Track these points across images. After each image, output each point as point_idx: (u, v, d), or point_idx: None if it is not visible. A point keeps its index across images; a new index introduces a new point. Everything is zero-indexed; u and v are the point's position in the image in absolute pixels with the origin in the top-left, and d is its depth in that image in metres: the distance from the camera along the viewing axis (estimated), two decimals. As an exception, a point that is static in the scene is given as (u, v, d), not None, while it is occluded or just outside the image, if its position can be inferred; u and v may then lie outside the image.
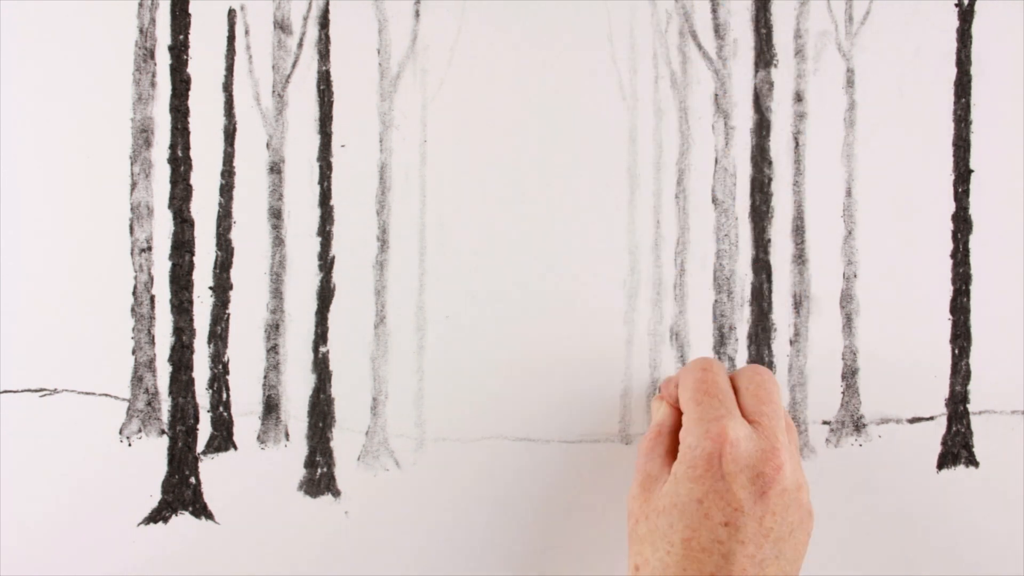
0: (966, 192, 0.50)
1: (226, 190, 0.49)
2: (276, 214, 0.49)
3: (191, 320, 0.48)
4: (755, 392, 0.42)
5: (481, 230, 0.49)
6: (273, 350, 0.49)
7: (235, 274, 0.49)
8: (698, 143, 0.49)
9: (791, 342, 0.49)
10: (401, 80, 0.49)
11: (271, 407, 0.49)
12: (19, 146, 0.48)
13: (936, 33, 0.50)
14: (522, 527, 0.49)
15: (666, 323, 0.49)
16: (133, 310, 0.48)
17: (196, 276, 0.48)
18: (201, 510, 0.48)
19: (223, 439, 0.48)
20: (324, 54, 0.49)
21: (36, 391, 0.48)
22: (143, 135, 0.48)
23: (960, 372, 0.49)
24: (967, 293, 0.49)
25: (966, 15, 0.50)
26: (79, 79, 0.48)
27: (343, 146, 0.49)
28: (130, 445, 0.48)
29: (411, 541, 0.48)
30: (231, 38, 0.49)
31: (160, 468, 0.48)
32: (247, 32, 0.49)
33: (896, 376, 0.49)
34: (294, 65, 0.49)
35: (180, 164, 0.48)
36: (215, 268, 0.48)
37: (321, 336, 0.49)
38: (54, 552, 0.47)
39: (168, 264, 0.48)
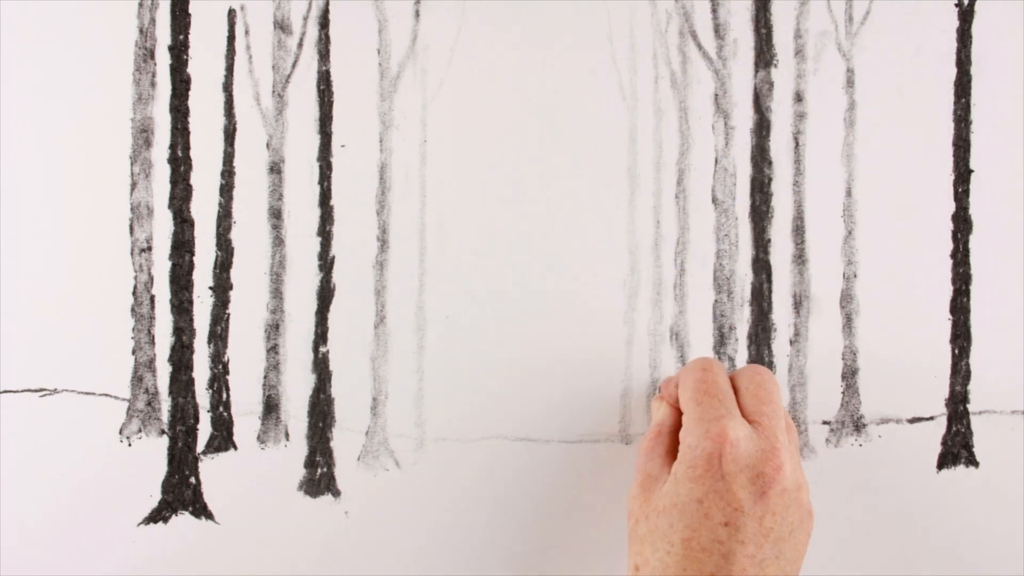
0: (966, 192, 0.50)
1: (226, 190, 0.49)
2: (276, 214, 0.49)
3: (191, 320, 0.48)
4: (755, 392, 0.42)
5: (481, 230, 0.49)
6: (273, 350, 0.49)
7: (235, 274, 0.49)
8: (698, 143, 0.49)
9: (791, 342, 0.50)
10: (401, 80, 0.49)
11: (271, 407, 0.49)
12: (19, 146, 0.48)
13: (936, 33, 0.50)
14: (522, 527, 0.49)
15: (666, 323, 0.49)
16: (133, 310, 0.48)
17: (196, 276, 0.48)
18: (201, 510, 0.48)
19: (223, 439, 0.48)
20: (324, 54, 0.49)
21: (36, 391, 0.48)
22: (143, 135, 0.48)
23: (960, 372, 0.49)
24: (967, 293, 0.49)
25: (966, 15, 0.50)
26: (79, 79, 0.48)
27: (343, 146, 0.49)
28: (130, 445, 0.48)
29: (411, 541, 0.48)
30: (231, 38, 0.49)
31: (160, 468, 0.48)
32: (247, 32, 0.49)
33: (896, 376, 0.49)
34: (294, 65, 0.49)
35: (180, 164, 0.48)
36: (215, 268, 0.48)
37: (321, 336, 0.49)
38: (54, 552, 0.47)
39: (168, 264, 0.48)
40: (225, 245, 0.49)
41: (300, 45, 0.49)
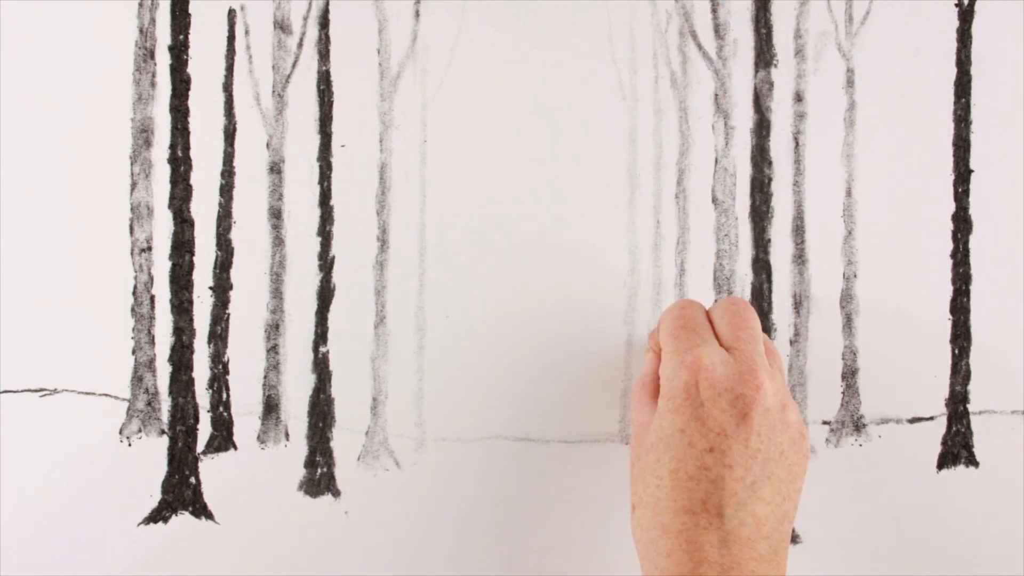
0: (966, 192, 0.50)
1: (226, 190, 0.49)
2: (276, 214, 0.49)
3: (191, 320, 0.48)
4: (730, 320, 0.42)
5: (481, 230, 0.49)
6: (273, 350, 0.49)
7: (235, 274, 0.49)
8: (698, 143, 0.49)
9: (791, 342, 0.49)
10: (401, 80, 0.49)
11: (271, 407, 0.49)
12: (19, 146, 0.48)
13: (936, 33, 0.50)
14: (522, 527, 0.49)
15: (666, 323, 0.49)
16: (133, 310, 0.48)
17: (196, 276, 0.48)
18: (201, 510, 0.48)
19: (223, 439, 0.48)
20: (324, 54, 0.49)
21: (36, 391, 0.48)
22: (143, 135, 0.48)
23: (960, 372, 0.49)
24: (967, 293, 0.49)
25: (966, 15, 0.50)
26: (79, 79, 0.48)
27: (343, 146, 0.49)
28: (130, 445, 0.48)
29: (411, 541, 0.48)
30: (231, 38, 0.49)
31: (160, 468, 0.48)
32: (247, 32, 0.49)
33: (896, 376, 0.49)
34: (294, 65, 0.49)
35: (180, 164, 0.48)
36: (215, 268, 0.48)
37: (321, 336, 0.49)
38: (54, 552, 0.47)
39: (168, 264, 0.48)
40: (225, 245, 0.48)
41: (300, 45, 0.49)
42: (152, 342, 0.48)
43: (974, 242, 0.50)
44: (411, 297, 0.49)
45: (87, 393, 0.48)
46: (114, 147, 0.48)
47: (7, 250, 0.48)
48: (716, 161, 0.50)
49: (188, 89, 0.48)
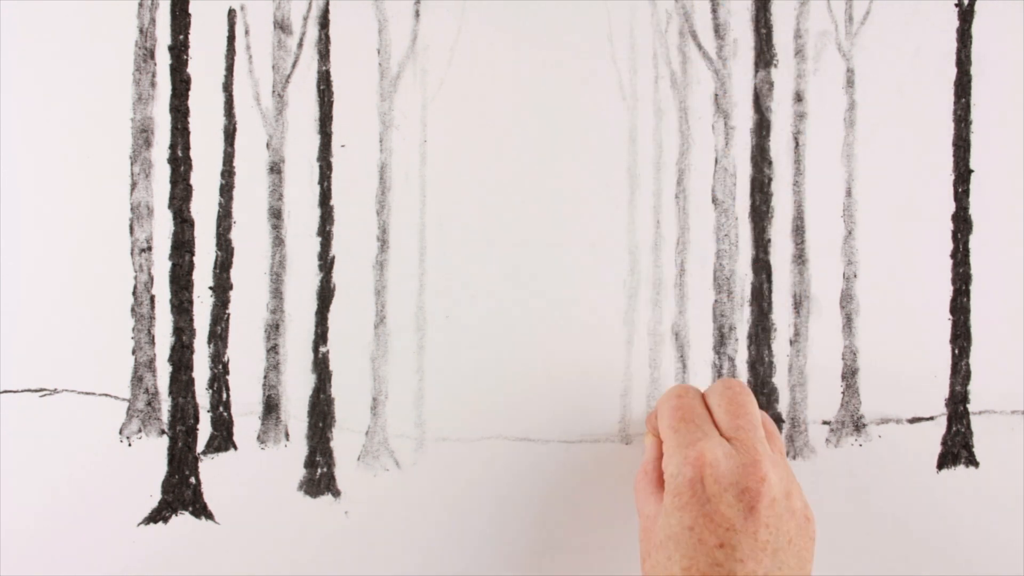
0: (966, 192, 0.50)
1: (226, 190, 0.49)
2: (276, 214, 0.49)
3: (191, 320, 0.48)
4: (727, 408, 0.42)
5: (481, 230, 0.49)
6: (273, 350, 0.49)
7: (235, 274, 0.49)
8: (698, 143, 0.49)
9: (791, 342, 0.49)
10: (401, 80, 0.49)
11: (271, 407, 0.49)
12: (19, 146, 0.48)
13: (936, 33, 0.50)
14: (522, 527, 0.49)
15: (666, 323, 0.49)
16: (133, 310, 0.48)
17: (196, 276, 0.48)
18: (201, 510, 0.48)
19: (223, 439, 0.48)
20: (324, 54, 0.49)
21: (36, 391, 0.48)
22: (143, 135, 0.48)
23: (960, 372, 0.49)
24: (967, 293, 0.49)
25: (966, 15, 0.50)
26: (79, 79, 0.48)
27: (343, 146, 0.49)
28: (130, 445, 0.48)
29: (411, 541, 0.48)
30: (231, 38, 0.49)
31: (160, 468, 0.48)
32: (247, 32, 0.49)
33: (896, 376, 0.49)
34: (294, 65, 0.49)
35: (180, 164, 0.48)
36: (215, 268, 0.48)
37: (321, 336, 0.49)
38: (54, 552, 0.47)
39: (168, 264, 0.48)
40: (225, 245, 0.49)
41: (300, 45, 0.49)
42: (152, 342, 0.48)
43: (974, 242, 0.50)
44: (411, 297, 0.49)
45: (87, 393, 0.48)
46: (114, 147, 0.48)
47: (7, 250, 0.48)
48: (716, 161, 0.50)
49: (188, 89, 0.48)
